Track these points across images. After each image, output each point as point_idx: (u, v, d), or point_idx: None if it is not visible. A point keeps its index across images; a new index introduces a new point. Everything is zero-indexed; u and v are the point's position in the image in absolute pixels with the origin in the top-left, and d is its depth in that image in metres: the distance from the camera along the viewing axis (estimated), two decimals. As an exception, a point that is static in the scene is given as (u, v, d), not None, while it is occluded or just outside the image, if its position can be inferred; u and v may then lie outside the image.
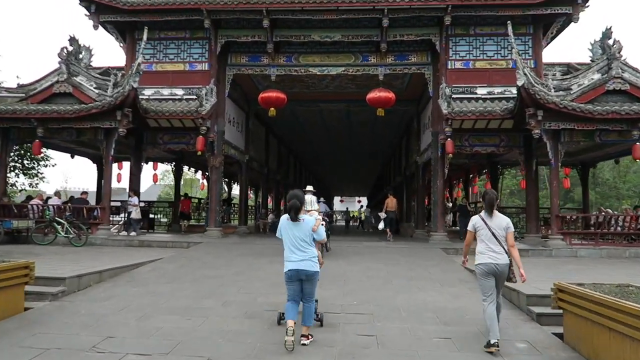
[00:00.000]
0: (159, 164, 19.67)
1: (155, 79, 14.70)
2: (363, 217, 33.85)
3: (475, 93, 13.67)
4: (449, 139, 13.06)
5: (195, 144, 13.71)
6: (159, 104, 13.98)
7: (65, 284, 6.76)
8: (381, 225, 16.18)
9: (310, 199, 7.77)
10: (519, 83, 11.40)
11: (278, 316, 5.51)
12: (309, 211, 6.46)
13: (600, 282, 5.49)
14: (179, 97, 14.39)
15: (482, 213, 5.06)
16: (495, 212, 5.03)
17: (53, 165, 21.30)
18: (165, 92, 14.54)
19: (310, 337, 4.82)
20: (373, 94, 14.15)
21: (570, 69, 14.62)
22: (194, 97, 13.94)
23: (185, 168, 22.60)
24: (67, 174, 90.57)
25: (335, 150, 30.31)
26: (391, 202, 16.53)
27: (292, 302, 4.86)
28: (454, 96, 13.27)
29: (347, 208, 38.15)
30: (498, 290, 4.98)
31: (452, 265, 9.57)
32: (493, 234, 4.88)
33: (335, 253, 11.25)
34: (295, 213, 4.85)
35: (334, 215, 53.35)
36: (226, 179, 26.94)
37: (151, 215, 19.17)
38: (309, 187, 10.77)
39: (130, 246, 12.68)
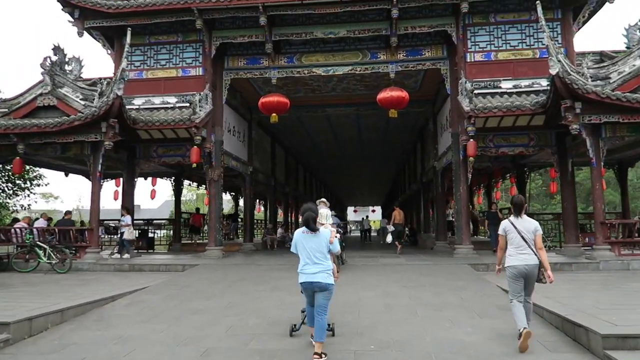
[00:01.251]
0: (158, 179, 18.45)
1: (145, 87, 13.53)
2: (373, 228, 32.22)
3: (500, 87, 12.20)
4: (471, 139, 11.60)
5: (191, 155, 12.44)
6: (150, 114, 12.77)
7: (11, 331, 5.44)
8: (389, 239, 15.55)
9: (325, 212, 7.18)
10: (553, 71, 9.93)
11: (291, 328, 5.51)
12: (323, 224, 6.03)
13: None
14: (172, 105, 13.17)
15: (511, 217, 5.22)
16: (524, 216, 5.18)
17: (46, 185, 20.24)
18: (157, 100, 13.34)
19: (324, 355, 4.66)
20: (384, 94, 12.77)
21: (603, 57, 13.06)
22: (188, 104, 12.70)
23: (195, 183, 21.44)
24: (80, 192, 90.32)
25: (345, 159, 28.93)
26: (398, 215, 15.82)
27: (311, 306, 4.96)
28: (475, 91, 11.81)
29: (364, 217, 36.63)
30: (528, 291, 5.17)
31: (486, 287, 8.06)
32: (522, 237, 5.05)
33: (347, 272, 9.81)
34: (313, 222, 4.84)
35: (348, 226, 51.81)
36: (233, 193, 25.75)
37: (151, 235, 17.93)
38: (323, 200, 9.98)
39: (120, 271, 11.40)
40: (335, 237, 5.19)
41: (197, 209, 21.61)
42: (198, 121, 12.05)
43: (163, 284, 8.93)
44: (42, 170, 20.54)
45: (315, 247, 4.83)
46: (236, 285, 8.65)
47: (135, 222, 18.24)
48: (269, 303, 7.14)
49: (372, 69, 13.49)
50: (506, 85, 12.20)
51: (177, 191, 17.94)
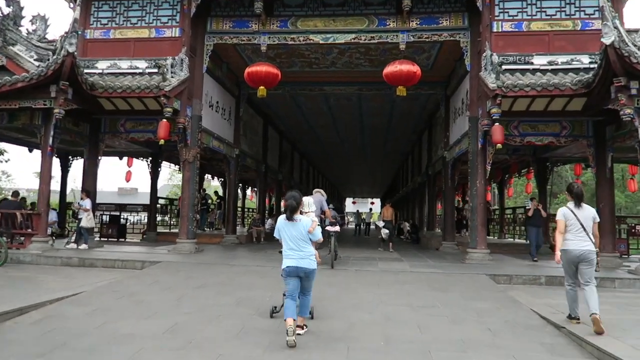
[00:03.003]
0: (135, 159, 16.49)
1: (112, 48, 11.52)
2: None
3: (531, 63, 10.19)
4: (496, 123, 9.63)
5: (158, 130, 10.45)
6: (115, 80, 10.77)
7: None
8: (384, 234, 14.23)
9: (307, 200, 6.75)
10: (607, 40, 7.92)
11: (271, 309, 5.67)
12: (306, 213, 6.13)
13: None
14: (141, 70, 11.16)
15: (570, 204, 5.44)
16: (583, 204, 5.39)
17: (6, 161, 18.25)
18: (125, 65, 11.33)
19: (305, 327, 5.03)
20: (392, 68, 10.74)
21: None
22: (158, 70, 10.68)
23: (176, 166, 19.50)
24: (74, 172, 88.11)
25: (345, 146, 26.92)
26: (387, 212, 14.94)
27: (291, 298, 4.87)
28: (502, 67, 9.81)
29: (358, 209, 34.65)
30: (589, 276, 5.23)
31: (519, 312, 6.13)
32: (582, 224, 5.26)
33: (337, 280, 7.90)
34: (291, 212, 4.95)
35: (346, 218, 49.91)
36: (222, 179, 23.80)
37: (123, 221, 16.01)
38: (319, 190, 9.86)
39: (68, 265, 9.50)
40: (318, 225, 5.26)
41: (203, 189, 19.85)
42: (168, 89, 10.05)
43: (102, 289, 7.01)
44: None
45: (296, 234, 4.96)
46: (194, 294, 6.73)
47: (105, 206, 16.42)
48: (227, 327, 5.23)
49: (379, 38, 11.45)
50: (539, 61, 10.19)
51: (154, 173, 15.95)
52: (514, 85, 9.16)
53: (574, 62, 10.08)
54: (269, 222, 20.09)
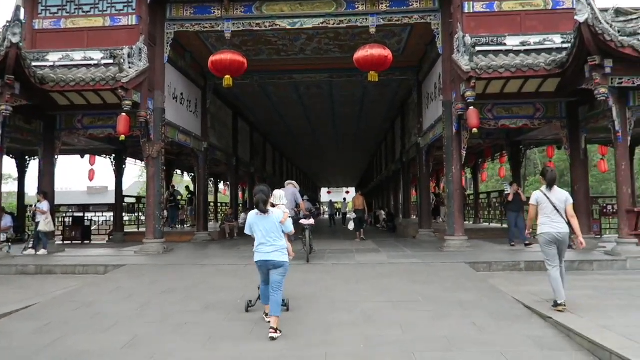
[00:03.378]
0: (97, 157, 15.66)
1: (64, 39, 10.73)
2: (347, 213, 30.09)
3: (504, 44, 9.96)
4: (471, 107, 9.37)
5: (117, 125, 9.79)
6: (67, 72, 10.03)
7: None
8: (351, 226, 14.28)
9: (279, 193, 6.44)
10: (581, 18, 7.71)
11: (246, 303, 5.60)
12: (277, 205, 5.82)
13: None
14: (96, 62, 10.44)
15: (543, 188, 5.59)
16: (555, 187, 5.52)
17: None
18: (78, 56, 10.57)
19: (279, 331, 4.69)
20: (363, 52, 10.32)
21: (619, 14, 10.95)
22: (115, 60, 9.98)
23: (142, 162, 18.71)
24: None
25: (318, 137, 26.50)
26: (358, 201, 14.55)
27: (265, 285, 5.08)
28: (476, 49, 9.54)
29: (331, 200, 34.32)
30: (561, 257, 5.48)
31: (503, 303, 5.89)
32: (555, 206, 5.39)
33: (312, 275, 7.54)
34: (264, 205, 4.93)
35: (322, 209, 49.69)
36: (192, 174, 23.05)
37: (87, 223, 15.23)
38: (291, 182, 9.52)
39: (24, 273, 8.82)
40: (289, 217, 5.26)
41: (172, 186, 19.03)
42: (126, 81, 9.40)
43: (58, 300, 6.44)
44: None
45: (268, 227, 4.95)
46: (159, 301, 6.24)
47: (67, 207, 15.60)
48: (193, 336, 4.79)
49: (349, 22, 11.02)
50: (512, 42, 9.97)
51: (119, 171, 15.18)
52: (487, 67, 8.90)
53: (546, 42, 9.90)
54: (242, 216, 19.52)
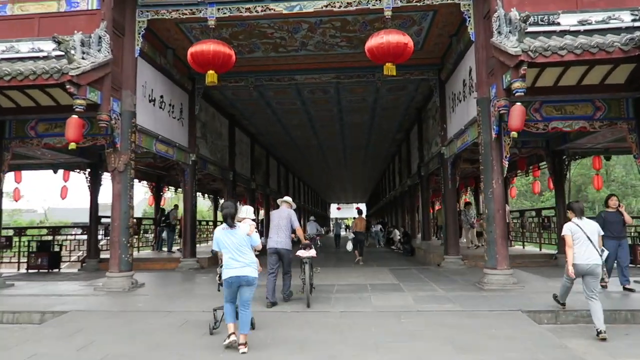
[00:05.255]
0: (72, 173, 13.68)
1: (10, 28, 8.81)
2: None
3: (557, 24, 7.80)
4: (517, 103, 7.21)
5: (66, 130, 7.74)
6: (11, 65, 8.05)
7: None
8: (349, 247, 14.26)
9: (246, 208, 6.43)
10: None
11: (211, 325, 5.56)
12: (242, 219, 5.91)
13: None
14: (47, 54, 8.48)
15: (575, 219, 5.76)
16: (584, 218, 5.77)
17: None
18: (25, 47, 8.61)
19: (246, 345, 4.81)
20: (377, 39, 8.16)
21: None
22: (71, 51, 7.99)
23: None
24: (46, 191, 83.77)
25: (324, 149, 24.45)
26: (360, 223, 14.56)
27: (230, 303, 5.02)
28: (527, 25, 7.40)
29: (337, 218, 32.03)
30: (592, 288, 5.50)
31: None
32: (588, 237, 5.56)
33: (316, 342, 5.34)
34: (231, 219, 5.00)
35: (332, 229, 47.30)
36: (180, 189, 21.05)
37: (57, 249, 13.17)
38: (285, 199, 7.83)
39: (-62, 323, 6.72)
40: (255, 231, 5.26)
41: (176, 206, 16.96)
42: (75, 74, 7.37)
43: None
44: None
45: (236, 242, 4.96)
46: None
47: (31, 229, 13.58)
48: None
49: (358, 4, 8.92)
50: (568, 20, 7.81)
51: (94, 187, 13.17)
52: (544, 48, 6.75)
53: (611, 21, 7.72)
54: (240, 238, 17.44)
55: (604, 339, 5.20)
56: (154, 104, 10.52)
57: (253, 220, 6.47)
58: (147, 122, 10.03)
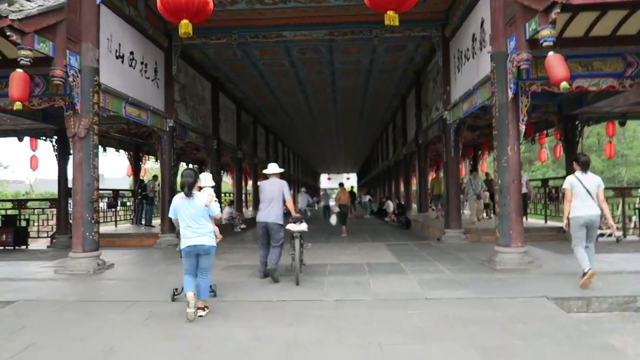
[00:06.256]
0: (39, 140, 12.44)
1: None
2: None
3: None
4: (550, 52, 6.10)
5: (10, 88, 6.54)
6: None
7: None
8: (333, 221, 13.85)
9: (204, 176, 6.16)
10: None
11: (172, 292, 5.58)
12: (202, 188, 5.78)
13: None
14: (-13, -3, 7.16)
15: (577, 173, 5.89)
16: (589, 172, 5.87)
17: None
18: (-38, -11, 7.28)
19: (206, 309, 5.00)
20: (377, -17, 6.99)
21: None
22: (12, -7, 6.69)
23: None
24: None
25: (315, 116, 23.25)
26: (343, 195, 14.46)
27: (189, 275, 5.00)
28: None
29: (325, 188, 31.14)
30: (590, 238, 5.86)
31: None
32: (587, 190, 5.73)
33: (305, 341, 4.40)
34: (188, 188, 4.96)
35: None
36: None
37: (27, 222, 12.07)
38: (272, 166, 7.15)
39: None
40: (214, 200, 5.20)
41: (155, 177, 15.37)
42: (17, 17, 6.12)
43: None
44: None
45: (194, 211, 4.95)
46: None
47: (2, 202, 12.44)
48: None
49: (356, -58, 7.68)
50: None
51: (62, 157, 11.97)
52: (581, -14, 5.62)
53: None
54: (226, 210, 16.46)
55: (592, 275, 5.53)
56: (122, 61, 9.25)
57: (212, 187, 6.26)
58: (115, 81, 8.80)
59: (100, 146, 14.70)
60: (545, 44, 5.96)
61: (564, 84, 5.89)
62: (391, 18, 7.15)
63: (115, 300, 5.73)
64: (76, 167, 7.79)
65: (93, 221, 7.82)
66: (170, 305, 5.44)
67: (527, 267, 7.03)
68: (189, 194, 4.95)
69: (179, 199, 5.03)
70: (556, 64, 5.85)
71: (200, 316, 4.85)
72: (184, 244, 4.97)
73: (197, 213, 4.93)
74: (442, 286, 6.07)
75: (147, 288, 6.45)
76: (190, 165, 23.41)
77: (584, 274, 5.60)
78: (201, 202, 4.97)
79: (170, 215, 5.11)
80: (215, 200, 5.25)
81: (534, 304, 5.16)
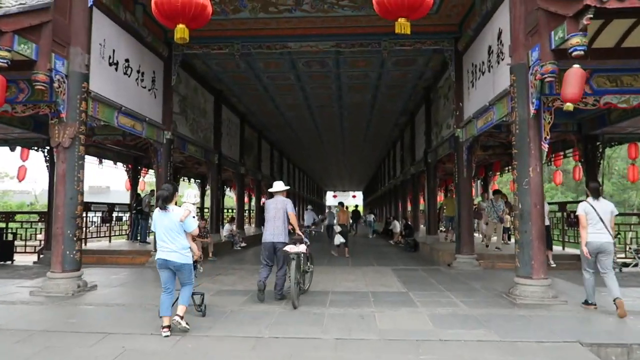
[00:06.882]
0: (30, 150, 11.94)
1: None
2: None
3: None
4: (574, 65, 5.49)
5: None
6: None
7: None
8: (337, 241, 13.21)
9: (190, 192, 6.28)
10: None
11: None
12: (183, 202, 5.83)
13: None
14: (-31, -5, 6.69)
15: (589, 199, 5.85)
16: (601, 198, 5.84)
17: None
18: (-57, -14, 6.81)
19: (186, 323, 4.85)
20: (388, -12, 6.44)
21: None
22: (-6, -9, 6.20)
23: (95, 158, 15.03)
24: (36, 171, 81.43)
25: (321, 132, 22.71)
26: (343, 215, 13.97)
27: (166, 292, 4.92)
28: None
29: (331, 206, 30.49)
30: (606, 264, 5.74)
31: None
32: (600, 217, 5.69)
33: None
34: (163, 201, 4.90)
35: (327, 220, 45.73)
36: (199, 180, 19.26)
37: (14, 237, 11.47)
38: (278, 184, 6.90)
39: None
40: (192, 216, 5.18)
41: (152, 191, 14.74)
42: (-6, 16, 5.62)
43: None
44: None
45: (168, 225, 4.88)
46: None
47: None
48: None
49: (366, -55, 7.17)
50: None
51: (52, 168, 11.39)
52: (618, -10, 5.03)
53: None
54: (226, 227, 15.83)
55: (621, 304, 5.45)
56: (116, 68, 8.74)
57: (194, 204, 6.25)
58: (107, 89, 8.27)
59: (96, 158, 14.39)
60: (575, 53, 5.35)
61: (568, 104, 5.29)
62: (402, 26, 6.60)
63: (87, 332, 5.05)
64: (59, 180, 7.19)
65: (75, 238, 7.19)
66: (147, 340, 4.75)
67: (551, 302, 6.29)
68: (162, 207, 4.89)
69: (157, 211, 4.98)
70: (572, 81, 5.26)
71: (182, 327, 4.79)
72: (156, 255, 4.95)
73: (171, 227, 4.86)
74: (458, 324, 5.34)
75: (127, 316, 5.77)
76: (192, 180, 22.88)
77: (587, 302, 5.89)
78: (176, 217, 4.88)
79: (152, 228, 5.08)
80: (194, 217, 5.15)
81: (566, 351, 4.43)
